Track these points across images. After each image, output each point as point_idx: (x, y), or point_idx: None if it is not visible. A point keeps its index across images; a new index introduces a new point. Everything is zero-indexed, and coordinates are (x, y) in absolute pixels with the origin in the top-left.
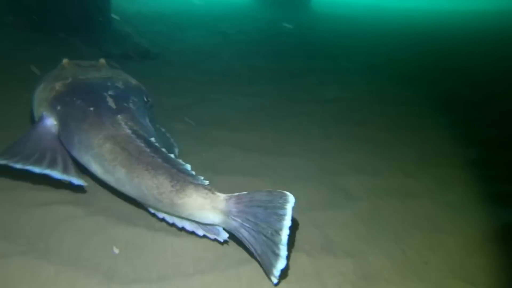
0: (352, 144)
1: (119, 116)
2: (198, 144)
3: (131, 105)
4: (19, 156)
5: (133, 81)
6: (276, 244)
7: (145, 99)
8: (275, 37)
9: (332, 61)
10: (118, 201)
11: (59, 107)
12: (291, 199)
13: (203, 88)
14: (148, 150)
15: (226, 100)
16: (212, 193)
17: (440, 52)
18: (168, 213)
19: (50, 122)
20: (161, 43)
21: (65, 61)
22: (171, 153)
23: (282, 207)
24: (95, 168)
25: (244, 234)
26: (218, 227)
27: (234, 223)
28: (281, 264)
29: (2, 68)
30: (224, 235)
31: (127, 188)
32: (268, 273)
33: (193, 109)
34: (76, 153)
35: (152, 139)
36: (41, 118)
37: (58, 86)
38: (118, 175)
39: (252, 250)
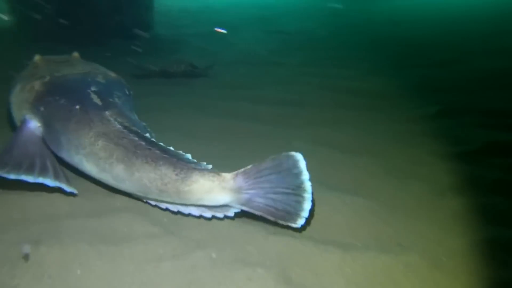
0: None
1: (106, 112)
2: None
3: (116, 99)
4: (10, 165)
5: (113, 74)
6: (300, 194)
7: (127, 92)
8: (349, 36)
9: (443, 70)
10: None
11: (42, 108)
12: (299, 157)
13: (275, 137)
14: (143, 143)
15: (323, 167)
16: (219, 175)
17: None
18: (172, 202)
19: (34, 125)
20: (208, 51)
21: (37, 57)
22: None
23: (295, 166)
24: (89, 167)
25: (259, 201)
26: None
27: (247, 196)
28: (307, 205)
29: None
30: (232, 212)
31: (127, 184)
32: (292, 219)
33: None
34: (65, 154)
35: (147, 134)
36: (24, 122)
37: (37, 86)
38: (116, 172)
39: (270, 211)
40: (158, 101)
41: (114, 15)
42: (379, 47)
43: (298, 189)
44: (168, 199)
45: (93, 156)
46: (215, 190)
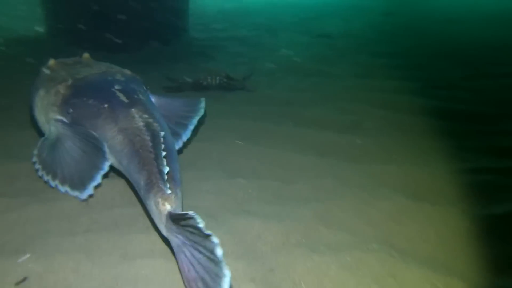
0: None
1: (133, 109)
2: None
3: (140, 96)
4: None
5: (128, 72)
6: (216, 264)
7: (144, 87)
8: (404, 38)
9: None
10: None
11: (71, 110)
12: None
13: (332, 176)
14: (150, 144)
15: (397, 225)
16: (163, 204)
17: None
18: None
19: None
20: (246, 57)
21: (51, 61)
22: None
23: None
24: (112, 160)
25: (186, 254)
26: None
27: (177, 241)
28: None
29: None
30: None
31: (129, 177)
32: None
33: None
34: None
35: (162, 133)
36: (59, 123)
37: (62, 89)
38: (123, 166)
39: (193, 273)
40: None
41: (145, 19)
42: (444, 51)
43: (212, 255)
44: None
45: (112, 149)
46: (156, 218)
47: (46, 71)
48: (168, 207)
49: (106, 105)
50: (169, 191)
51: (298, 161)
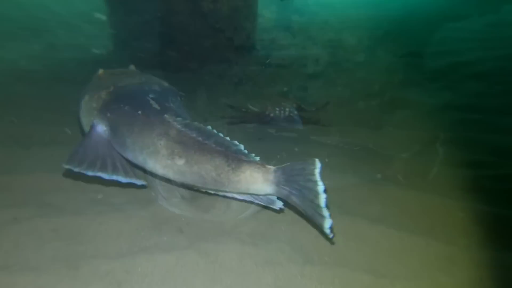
0: None
1: (165, 115)
2: None
3: (171, 104)
4: (87, 163)
5: (166, 84)
6: (318, 206)
7: (179, 98)
8: None
9: None
10: None
11: (109, 114)
12: (317, 163)
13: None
14: (200, 138)
15: None
16: (264, 166)
17: None
18: (227, 191)
19: (101, 129)
20: (319, 81)
21: (100, 71)
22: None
23: (312, 173)
24: (153, 165)
25: (294, 199)
26: (272, 197)
27: (284, 192)
28: (327, 223)
29: None
30: (279, 204)
31: (187, 177)
32: (322, 229)
33: None
34: (130, 155)
35: (209, 127)
36: (93, 126)
37: (103, 95)
38: (177, 167)
39: (304, 212)
40: None
41: (209, 38)
42: None
43: (316, 198)
44: (222, 189)
45: (156, 154)
46: (259, 180)
47: (95, 79)
48: (270, 167)
49: (140, 112)
50: (257, 158)
51: (398, 242)
